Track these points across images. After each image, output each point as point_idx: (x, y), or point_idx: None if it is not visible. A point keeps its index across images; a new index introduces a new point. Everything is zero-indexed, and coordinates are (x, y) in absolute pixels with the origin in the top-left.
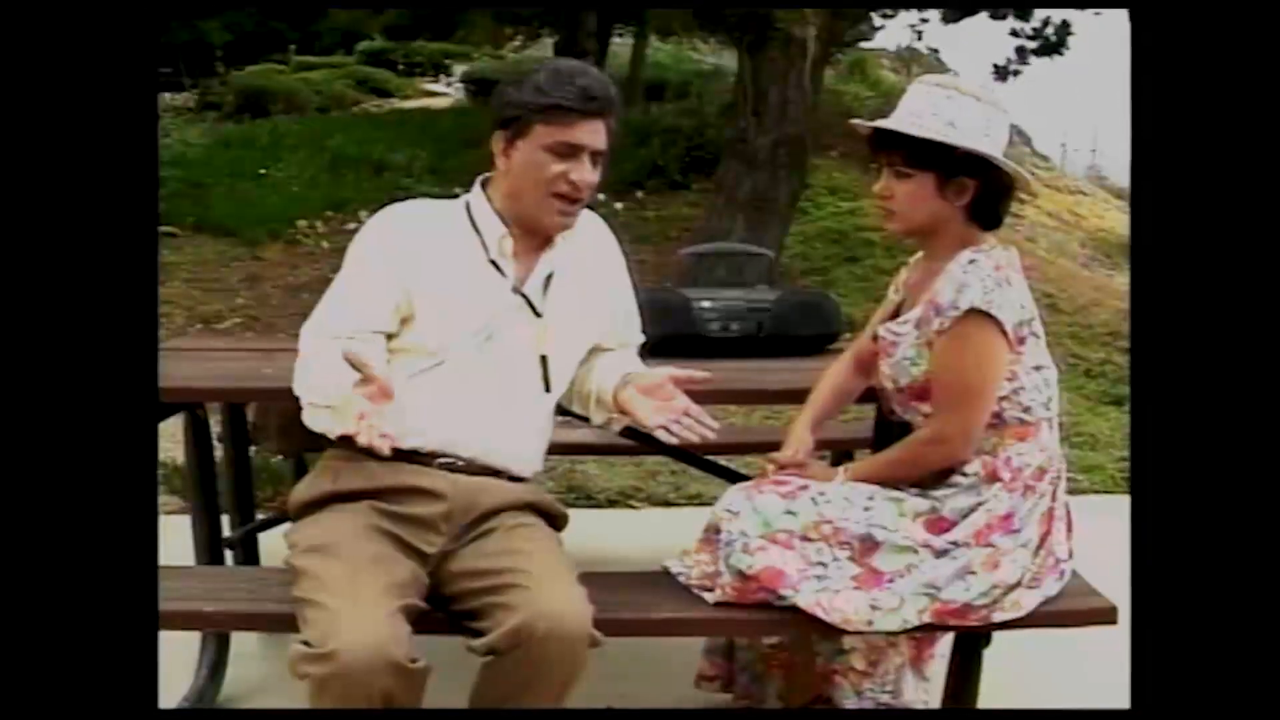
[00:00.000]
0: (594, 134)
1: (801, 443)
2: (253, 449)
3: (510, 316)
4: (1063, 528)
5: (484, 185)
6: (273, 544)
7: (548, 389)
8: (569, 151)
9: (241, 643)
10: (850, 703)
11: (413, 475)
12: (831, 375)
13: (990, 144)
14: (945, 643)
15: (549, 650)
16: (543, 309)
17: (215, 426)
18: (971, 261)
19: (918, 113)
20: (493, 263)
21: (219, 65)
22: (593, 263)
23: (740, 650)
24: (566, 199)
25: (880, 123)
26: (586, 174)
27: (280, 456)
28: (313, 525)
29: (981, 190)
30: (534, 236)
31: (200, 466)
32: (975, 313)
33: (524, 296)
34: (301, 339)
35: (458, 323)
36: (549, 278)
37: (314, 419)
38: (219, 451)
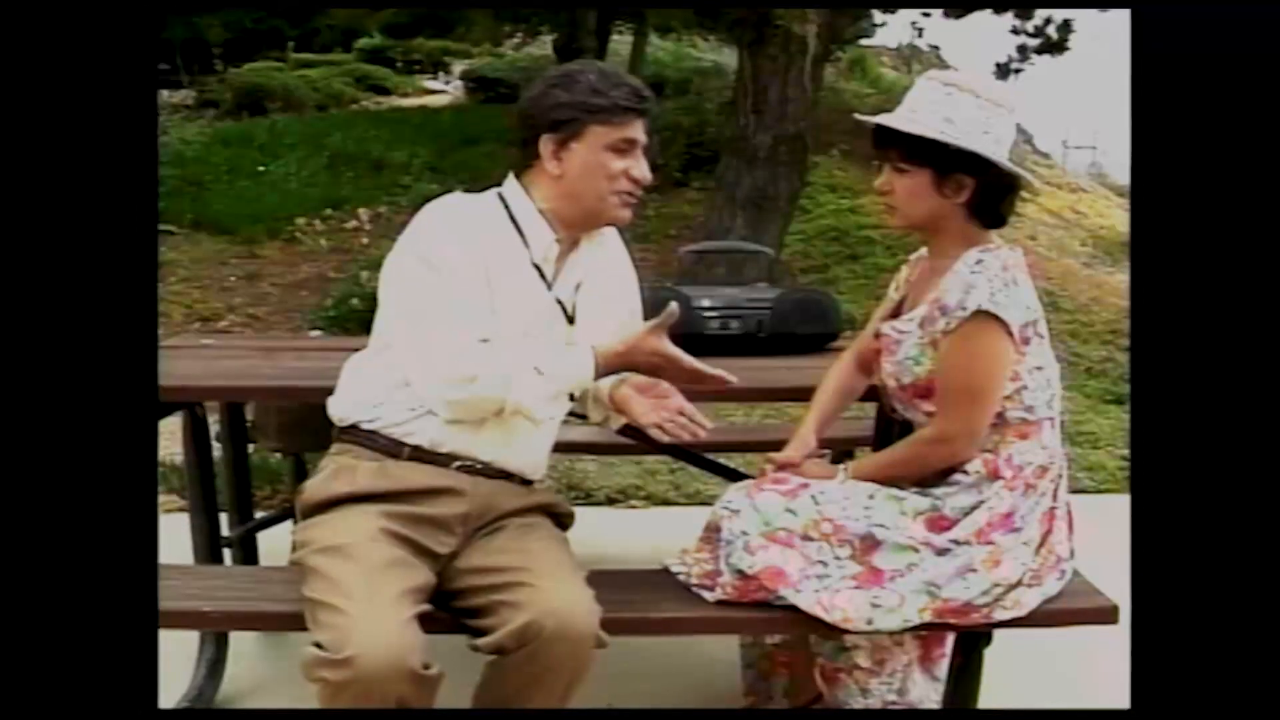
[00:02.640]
0: (642, 130)
1: (804, 445)
2: (251, 448)
3: (546, 321)
4: (1064, 526)
5: (521, 182)
6: (272, 543)
7: (572, 396)
8: (628, 148)
9: (240, 642)
10: (856, 702)
11: (432, 476)
12: (833, 375)
13: (990, 142)
14: (950, 642)
15: (556, 650)
16: (574, 314)
17: (214, 425)
18: (979, 261)
19: (915, 109)
20: (535, 266)
21: (217, 63)
22: (612, 271)
23: (746, 647)
24: (628, 193)
25: (878, 118)
26: (645, 168)
27: (279, 455)
28: (325, 525)
29: (981, 188)
30: (568, 240)
31: (199, 465)
32: (982, 314)
33: (559, 302)
34: (437, 360)
35: (500, 325)
36: (578, 284)
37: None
38: (218, 450)
